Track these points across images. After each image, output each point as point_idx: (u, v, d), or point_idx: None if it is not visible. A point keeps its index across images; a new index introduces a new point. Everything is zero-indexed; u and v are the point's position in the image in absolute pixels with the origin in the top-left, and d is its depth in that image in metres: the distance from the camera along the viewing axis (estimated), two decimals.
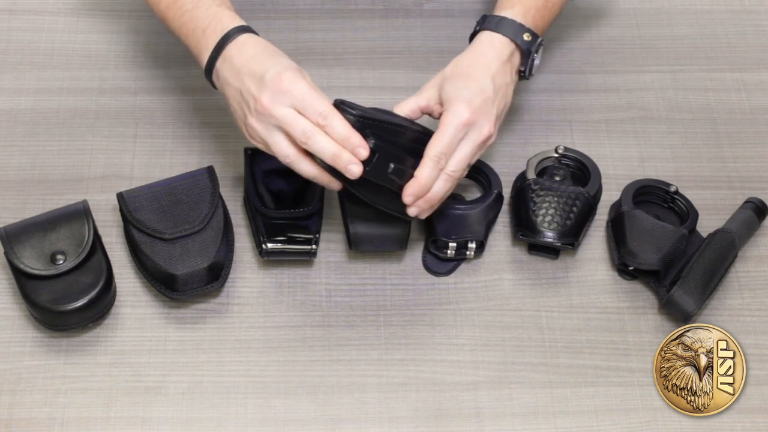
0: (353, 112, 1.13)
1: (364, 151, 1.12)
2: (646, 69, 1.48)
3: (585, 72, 1.47)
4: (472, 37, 1.25)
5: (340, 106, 1.13)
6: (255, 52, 1.16)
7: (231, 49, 1.17)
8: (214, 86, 1.21)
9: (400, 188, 1.16)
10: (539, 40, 1.24)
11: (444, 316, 1.26)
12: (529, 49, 1.23)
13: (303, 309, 1.26)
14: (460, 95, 1.17)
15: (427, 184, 1.15)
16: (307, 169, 1.15)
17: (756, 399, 1.22)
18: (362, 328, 1.25)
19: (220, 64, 1.18)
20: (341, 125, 1.11)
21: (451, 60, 1.23)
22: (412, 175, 1.15)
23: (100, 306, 1.21)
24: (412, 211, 1.17)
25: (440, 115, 1.18)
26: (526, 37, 1.23)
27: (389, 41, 1.49)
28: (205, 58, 1.19)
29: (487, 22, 1.24)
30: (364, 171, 1.12)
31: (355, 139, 1.11)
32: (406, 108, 1.21)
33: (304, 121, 1.11)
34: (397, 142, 1.16)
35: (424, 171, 1.15)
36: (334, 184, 1.17)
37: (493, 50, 1.22)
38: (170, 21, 1.24)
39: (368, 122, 1.14)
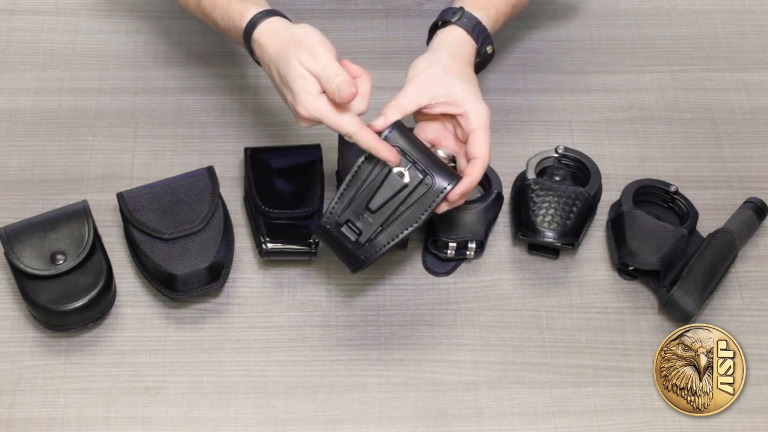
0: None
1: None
2: (646, 69, 1.48)
3: (585, 72, 1.47)
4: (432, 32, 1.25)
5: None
6: (273, 50, 1.16)
7: (255, 47, 1.18)
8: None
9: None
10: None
11: (444, 316, 1.26)
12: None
13: (303, 309, 1.26)
14: (474, 94, 1.18)
15: (476, 183, 1.16)
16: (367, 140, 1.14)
17: (756, 399, 1.22)
18: (362, 328, 1.25)
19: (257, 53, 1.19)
20: (367, 138, 1.13)
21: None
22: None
23: (100, 306, 1.21)
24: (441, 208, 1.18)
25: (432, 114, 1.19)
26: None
27: (389, 41, 1.49)
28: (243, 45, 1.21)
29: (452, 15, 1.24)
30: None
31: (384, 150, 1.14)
32: (409, 107, 1.19)
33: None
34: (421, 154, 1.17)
35: (477, 171, 1.16)
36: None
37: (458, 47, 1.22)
38: (202, 21, 1.27)
39: (402, 131, 1.15)
